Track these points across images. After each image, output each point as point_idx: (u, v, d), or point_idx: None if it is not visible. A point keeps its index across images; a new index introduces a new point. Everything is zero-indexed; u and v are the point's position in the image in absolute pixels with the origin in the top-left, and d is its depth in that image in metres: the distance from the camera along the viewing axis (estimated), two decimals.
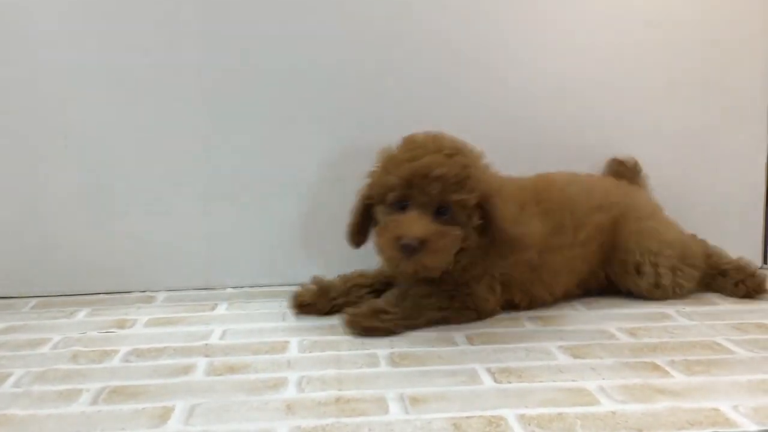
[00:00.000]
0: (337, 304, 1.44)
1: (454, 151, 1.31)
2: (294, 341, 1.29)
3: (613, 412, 0.97)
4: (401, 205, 1.30)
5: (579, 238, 1.48)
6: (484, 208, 1.32)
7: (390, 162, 1.33)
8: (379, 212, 1.35)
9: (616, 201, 1.55)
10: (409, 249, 1.25)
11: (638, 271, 1.51)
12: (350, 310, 1.35)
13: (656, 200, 1.66)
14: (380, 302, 1.35)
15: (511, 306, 1.45)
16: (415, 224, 1.26)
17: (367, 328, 1.31)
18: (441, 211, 1.29)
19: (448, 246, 1.30)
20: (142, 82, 1.62)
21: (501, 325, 1.37)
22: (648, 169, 1.73)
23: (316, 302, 1.45)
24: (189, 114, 1.64)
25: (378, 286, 1.48)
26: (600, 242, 1.51)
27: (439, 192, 1.28)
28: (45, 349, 1.29)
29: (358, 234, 1.41)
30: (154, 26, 1.61)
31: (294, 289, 1.48)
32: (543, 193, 1.48)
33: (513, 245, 1.34)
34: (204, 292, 1.65)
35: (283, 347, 1.26)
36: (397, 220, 1.29)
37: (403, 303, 1.35)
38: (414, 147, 1.32)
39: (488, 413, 0.97)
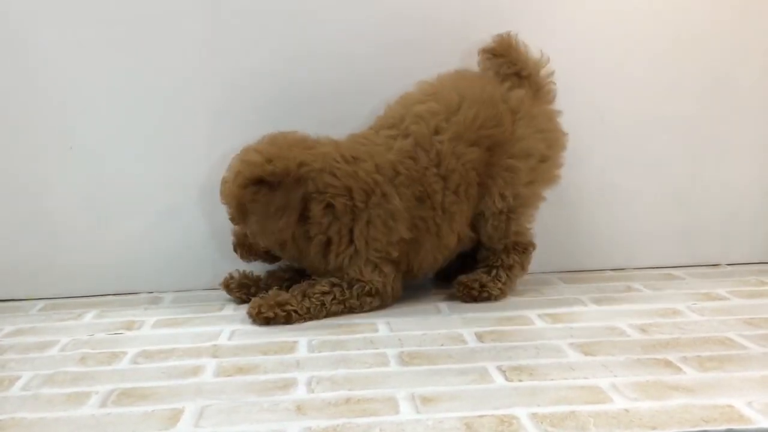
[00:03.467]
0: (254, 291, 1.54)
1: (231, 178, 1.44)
2: (303, 341, 1.29)
3: (627, 410, 0.96)
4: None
5: (450, 188, 1.46)
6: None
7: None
8: None
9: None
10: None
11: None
12: (255, 300, 1.42)
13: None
14: (285, 296, 1.42)
15: (409, 275, 1.52)
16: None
17: (266, 318, 1.39)
18: None
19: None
20: (146, 84, 1.63)
21: (510, 323, 1.36)
22: (657, 163, 1.72)
23: (240, 290, 1.55)
24: (193, 115, 1.64)
25: (297, 277, 1.53)
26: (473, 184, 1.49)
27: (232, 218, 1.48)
28: (53, 351, 1.29)
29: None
30: (156, 31, 1.61)
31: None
32: (404, 161, 1.46)
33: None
34: (211, 293, 1.64)
35: (291, 347, 1.26)
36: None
37: (304, 301, 1.42)
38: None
39: (500, 412, 0.97)
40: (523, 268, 1.56)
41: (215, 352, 1.25)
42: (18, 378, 1.16)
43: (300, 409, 1.00)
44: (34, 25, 1.59)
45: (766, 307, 1.42)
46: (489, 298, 1.51)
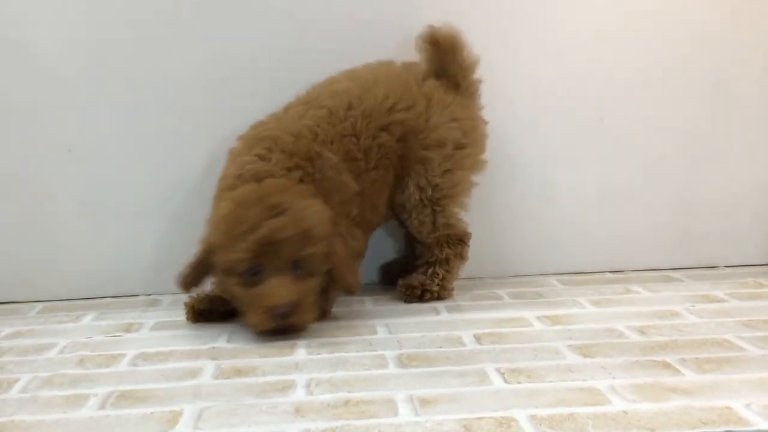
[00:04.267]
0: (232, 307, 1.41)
1: (282, 205, 1.29)
2: (302, 343, 1.28)
3: (625, 412, 0.96)
4: (254, 272, 1.29)
5: (370, 163, 1.46)
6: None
7: (228, 236, 1.29)
8: (230, 285, 1.33)
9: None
10: (284, 315, 1.28)
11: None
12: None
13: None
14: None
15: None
16: (283, 290, 1.28)
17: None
18: (295, 266, 1.30)
19: (314, 299, 1.33)
20: (145, 86, 1.62)
21: (509, 324, 1.36)
22: (655, 164, 1.72)
23: (211, 308, 1.44)
24: (192, 118, 1.64)
25: None
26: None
27: (291, 252, 1.28)
28: (51, 354, 1.29)
29: (192, 284, 1.39)
30: (154, 34, 1.62)
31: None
32: (321, 125, 1.45)
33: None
34: None
35: (290, 349, 1.26)
36: (262, 293, 1.28)
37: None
38: (245, 208, 1.29)
39: (499, 414, 0.97)
40: (462, 257, 1.56)
41: (214, 355, 1.25)
42: (17, 380, 1.15)
43: (299, 411, 1.00)
44: (31, 25, 1.59)
45: (764, 308, 1.42)
46: (433, 297, 1.51)
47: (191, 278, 1.38)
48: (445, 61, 1.54)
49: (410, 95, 1.50)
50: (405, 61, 1.57)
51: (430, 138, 1.50)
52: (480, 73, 1.61)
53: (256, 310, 1.29)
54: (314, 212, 1.31)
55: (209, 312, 1.44)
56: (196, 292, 1.44)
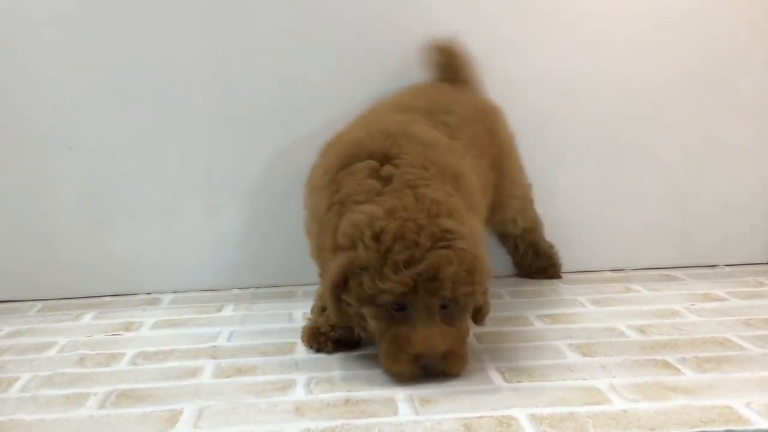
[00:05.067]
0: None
1: (453, 233, 1.07)
2: (301, 342, 1.28)
3: (625, 411, 0.96)
4: (399, 307, 1.08)
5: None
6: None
7: (380, 260, 1.06)
8: (367, 313, 1.10)
9: None
10: (433, 366, 1.07)
11: None
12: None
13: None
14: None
15: None
16: (437, 337, 1.07)
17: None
18: (444, 305, 1.09)
19: (467, 347, 1.13)
20: (145, 87, 1.62)
21: (509, 324, 1.36)
22: (655, 164, 1.72)
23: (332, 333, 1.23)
24: (192, 118, 1.64)
25: None
26: None
27: (450, 289, 1.07)
28: (51, 353, 1.29)
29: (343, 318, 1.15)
30: (155, 33, 1.61)
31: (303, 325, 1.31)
32: None
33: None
34: (210, 294, 1.64)
35: (290, 348, 1.26)
36: (410, 337, 1.07)
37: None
38: (409, 229, 1.06)
39: (499, 413, 0.96)
40: None
41: (214, 353, 1.25)
42: (16, 379, 1.15)
43: (299, 410, 1.00)
44: (31, 24, 1.59)
45: (764, 307, 1.42)
46: None
47: (340, 317, 1.14)
48: (456, 66, 1.57)
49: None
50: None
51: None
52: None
53: (401, 356, 1.07)
54: (481, 240, 1.13)
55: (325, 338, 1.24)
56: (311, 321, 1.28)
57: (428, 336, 1.06)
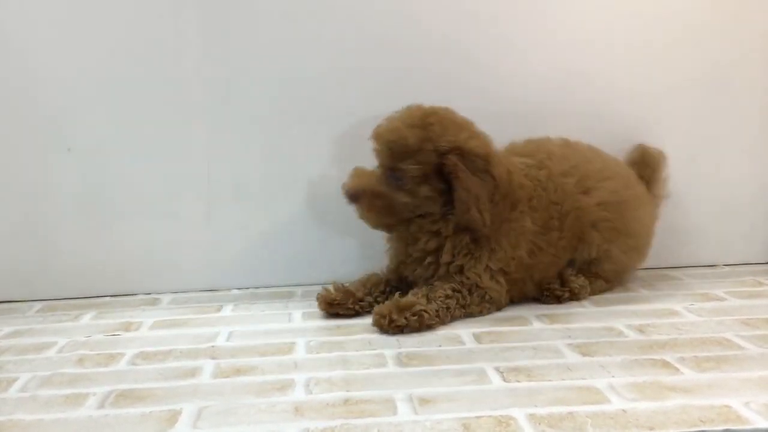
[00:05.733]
0: (363, 304, 1.43)
1: (420, 123, 1.37)
2: (301, 342, 1.28)
3: (624, 411, 0.96)
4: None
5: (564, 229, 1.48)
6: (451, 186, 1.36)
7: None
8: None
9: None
10: (348, 197, 1.40)
11: None
12: (380, 308, 1.34)
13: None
14: (410, 299, 1.35)
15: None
16: (356, 178, 1.40)
17: (398, 326, 1.31)
18: (394, 176, 1.38)
19: (383, 207, 1.39)
20: (144, 87, 1.62)
21: (508, 323, 1.36)
22: None
23: (343, 301, 1.42)
24: (191, 118, 1.64)
25: (394, 282, 1.47)
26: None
27: (387, 157, 1.38)
28: (51, 353, 1.29)
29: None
30: (154, 33, 1.61)
31: (319, 288, 1.46)
32: (537, 189, 1.46)
33: (466, 226, 1.38)
34: (209, 294, 1.64)
35: (289, 348, 1.26)
36: (352, 172, 1.42)
37: (430, 304, 1.34)
38: (396, 116, 1.40)
39: (498, 413, 0.97)
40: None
41: (213, 354, 1.25)
42: (15, 379, 1.15)
43: (298, 410, 1.00)
44: (31, 26, 1.59)
45: (763, 307, 1.42)
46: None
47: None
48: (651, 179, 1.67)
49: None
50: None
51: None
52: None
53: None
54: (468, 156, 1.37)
55: (340, 305, 1.42)
56: (327, 288, 1.44)
57: (354, 175, 1.42)
